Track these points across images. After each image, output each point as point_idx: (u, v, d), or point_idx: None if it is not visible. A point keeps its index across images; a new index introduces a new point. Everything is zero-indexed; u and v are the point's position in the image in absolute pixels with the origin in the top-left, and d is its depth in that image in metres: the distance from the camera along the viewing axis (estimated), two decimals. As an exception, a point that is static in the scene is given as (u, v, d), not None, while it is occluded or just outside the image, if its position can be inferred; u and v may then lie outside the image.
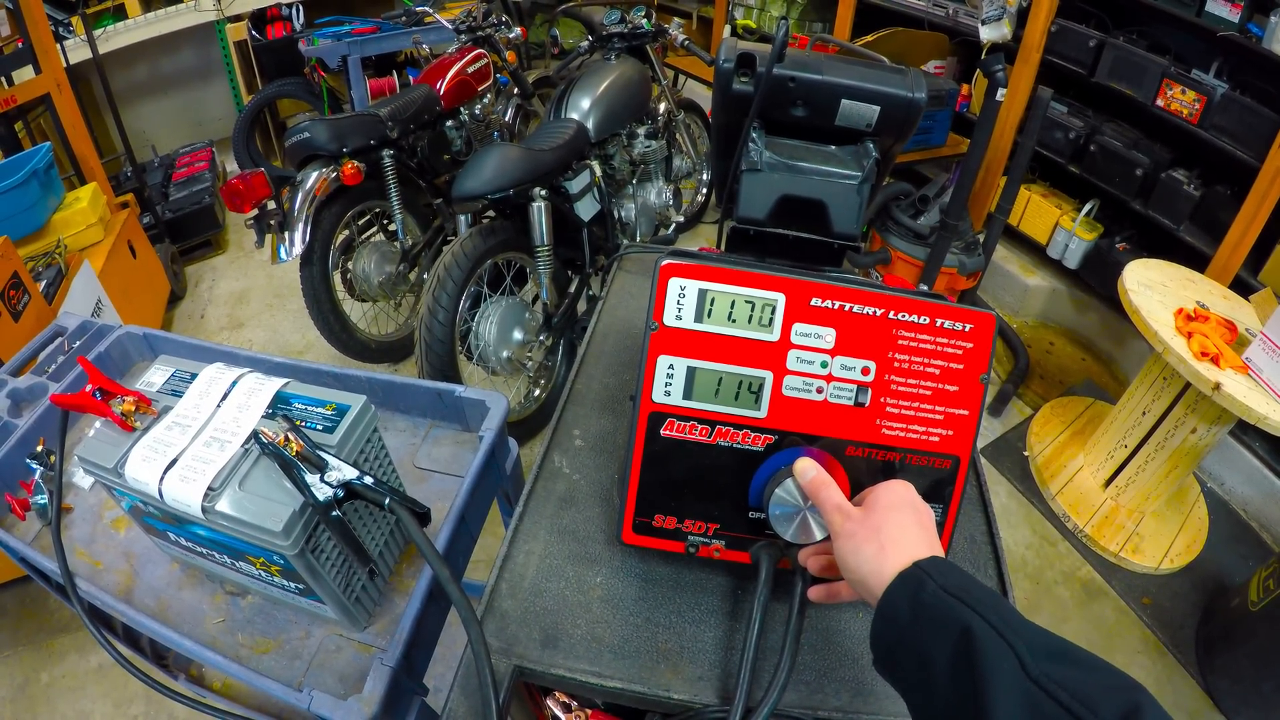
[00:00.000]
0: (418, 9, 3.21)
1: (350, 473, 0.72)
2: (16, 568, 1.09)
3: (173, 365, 0.88)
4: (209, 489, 0.72)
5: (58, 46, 2.70)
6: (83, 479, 1.07)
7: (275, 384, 0.82)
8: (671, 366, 0.68)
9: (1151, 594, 2.08)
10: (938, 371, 0.68)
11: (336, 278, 2.50)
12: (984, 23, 2.61)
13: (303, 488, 0.71)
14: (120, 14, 3.65)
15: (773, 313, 0.67)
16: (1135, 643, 1.97)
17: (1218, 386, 1.71)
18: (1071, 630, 1.99)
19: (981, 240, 2.76)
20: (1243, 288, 2.21)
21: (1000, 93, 2.26)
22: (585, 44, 2.75)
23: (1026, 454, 2.47)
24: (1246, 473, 2.38)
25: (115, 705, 1.79)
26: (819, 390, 0.68)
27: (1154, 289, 2.01)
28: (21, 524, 1.03)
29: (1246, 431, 2.36)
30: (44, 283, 2.20)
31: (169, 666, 1.15)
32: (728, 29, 4.24)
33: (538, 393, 2.46)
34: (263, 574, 0.80)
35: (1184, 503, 2.30)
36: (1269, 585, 1.78)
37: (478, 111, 2.82)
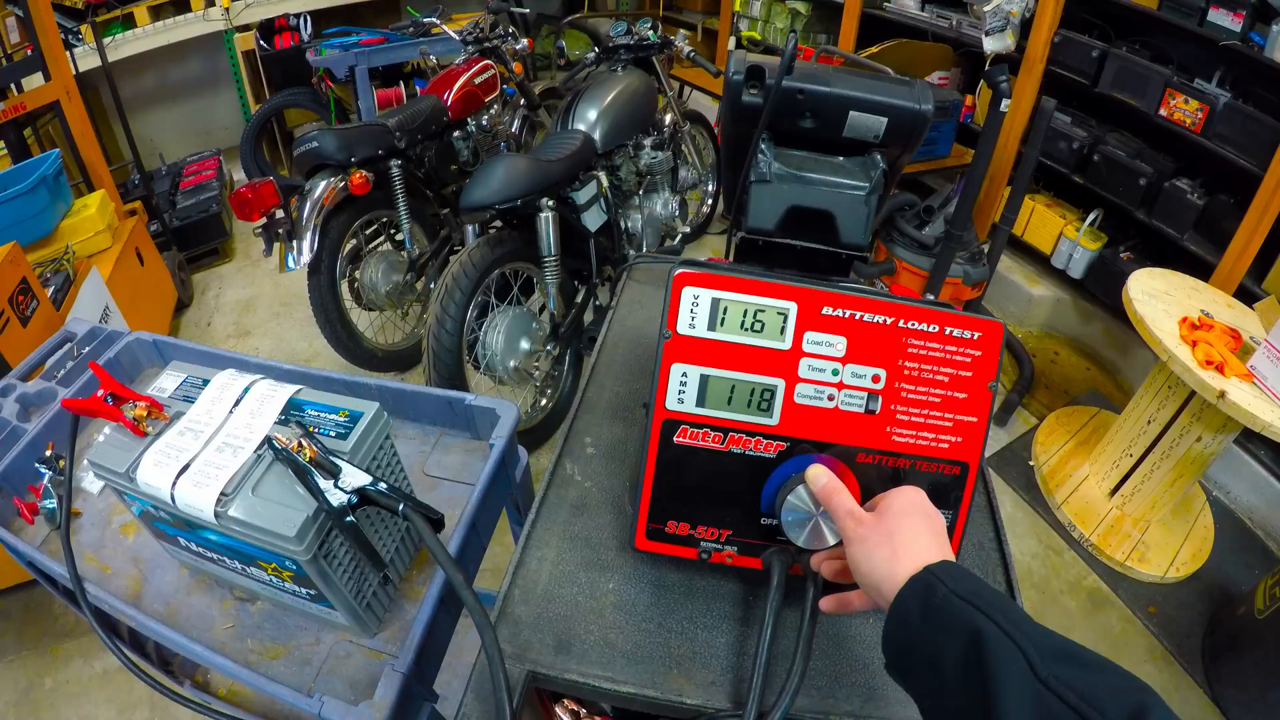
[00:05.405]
0: (425, 20, 3.23)
1: (364, 478, 0.73)
2: (20, 572, 1.09)
3: (184, 372, 0.88)
4: (222, 494, 0.72)
5: (67, 54, 2.73)
6: (91, 484, 1.07)
7: (288, 390, 0.82)
8: (685, 374, 0.69)
9: (1157, 603, 2.07)
10: (947, 379, 0.68)
11: (344, 287, 2.51)
12: (987, 34, 2.63)
13: (317, 493, 0.71)
14: (129, 23, 3.67)
15: (785, 321, 0.67)
16: (1141, 652, 1.96)
17: (1223, 395, 1.71)
18: (1077, 639, 1.96)
19: (986, 250, 2.77)
20: (1247, 296, 2.22)
21: (1004, 103, 2.27)
22: (591, 56, 2.76)
23: (1032, 463, 2.46)
24: (1252, 481, 2.37)
25: (119, 711, 1.78)
26: (830, 398, 0.68)
27: (1158, 298, 2.01)
28: (30, 528, 1.03)
29: (1252, 440, 2.36)
30: (52, 289, 2.21)
31: (174, 673, 1.15)
32: (733, 41, 4.27)
33: (544, 402, 2.46)
34: (274, 579, 0.81)
35: (1189, 511, 2.30)
36: (1275, 593, 1.78)
37: (485, 122, 2.84)
